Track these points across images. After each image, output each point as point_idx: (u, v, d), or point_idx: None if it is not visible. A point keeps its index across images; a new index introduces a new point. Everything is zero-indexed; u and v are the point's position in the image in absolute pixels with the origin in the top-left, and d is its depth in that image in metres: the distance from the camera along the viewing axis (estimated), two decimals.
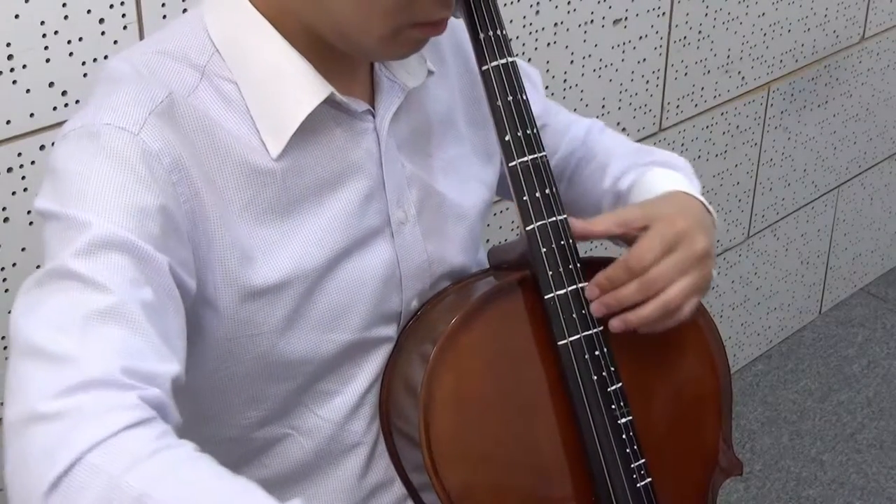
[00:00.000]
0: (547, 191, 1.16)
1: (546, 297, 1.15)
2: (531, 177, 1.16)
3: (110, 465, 0.85)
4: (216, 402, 1.16)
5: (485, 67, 1.17)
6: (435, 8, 1.06)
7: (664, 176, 1.29)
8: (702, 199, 1.27)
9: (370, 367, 1.20)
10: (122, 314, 0.94)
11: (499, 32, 1.16)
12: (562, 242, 1.16)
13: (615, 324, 1.16)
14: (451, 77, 1.27)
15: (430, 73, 1.21)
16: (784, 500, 2.54)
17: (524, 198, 1.16)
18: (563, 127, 1.43)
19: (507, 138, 1.16)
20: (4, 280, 1.52)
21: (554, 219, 1.16)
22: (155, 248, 0.99)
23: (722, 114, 2.53)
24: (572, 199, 1.42)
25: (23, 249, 1.52)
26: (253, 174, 1.09)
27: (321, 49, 1.10)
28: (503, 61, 1.17)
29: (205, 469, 0.89)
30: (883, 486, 2.58)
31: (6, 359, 1.54)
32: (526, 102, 1.17)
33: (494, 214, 2.14)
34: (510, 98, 1.16)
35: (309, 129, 1.11)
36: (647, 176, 1.30)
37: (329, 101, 1.11)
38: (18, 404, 0.90)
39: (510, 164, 1.16)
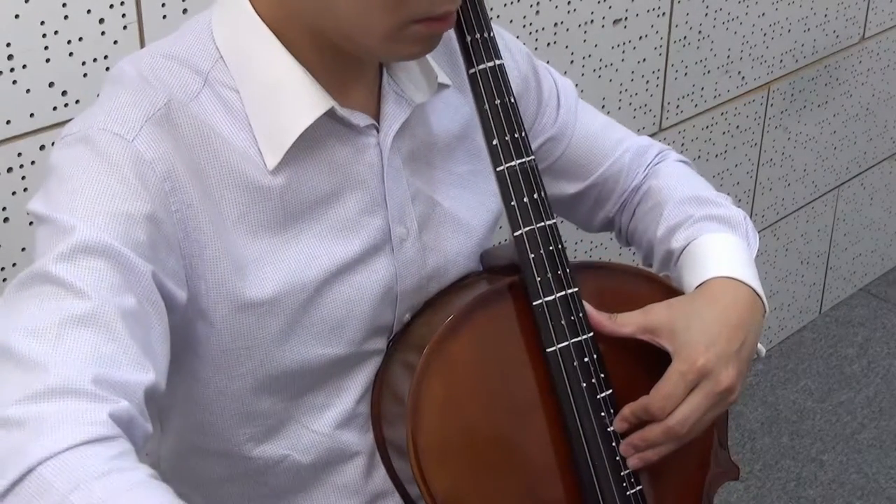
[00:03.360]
0: (535, 195, 1.15)
1: (534, 303, 1.14)
2: (519, 181, 1.15)
3: (59, 482, 0.84)
4: (208, 414, 1.15)
5: (472, 70, 1.15)
6: (434, 1, 1.03)
7: (717, 248, 1.25)
8: (750, 282, 1.22)
9: (361, 378, 1.19)
10: (98, 320, 0.94)
11: (486, 35, 1.15)
12: (550, 248, 1.14)
13: (634, 462, 1.17)
14: (468, 89, 1.23)
15: (445, 86, 1.20)
16: (784, 500, 2.54)
17: (512, 203, 1.14)
18: (608, 147, 1.38)
19: (494, 142, 1.15)
20: (4, 280, 1.53)
21: (542, 224, 1.15)
22: (139, 256, 0.99)
23: (722, 114, 2.53)
24: (630, 230, 1.39)
25: (23, 249, 1.52)
26: (249, 187, 1.08)
27: (326, 60, 1.09)
28: (490, 64, 1.15)
29: (154, 496, 0.86)
30: (883, 486, 2.58)
31: None
32: (514, 105, 1.16)
33: None
34: (497, 101, 1.15)
35: (308, 143, 1.10)
36: (699, 241, 1.26)
37: (330, 115, 1.10)
38: None
39: (497, 169, 1.15)
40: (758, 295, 1.23)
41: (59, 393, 0.88)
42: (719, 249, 1.25)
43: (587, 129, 1.37)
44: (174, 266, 1.04)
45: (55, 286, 0.95)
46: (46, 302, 0.94)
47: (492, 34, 1.16)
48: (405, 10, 1.03)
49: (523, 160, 1.15)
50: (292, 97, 1.08)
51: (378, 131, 1.15)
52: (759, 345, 1.24)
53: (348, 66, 1.11)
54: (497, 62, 1.16)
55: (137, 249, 0.99)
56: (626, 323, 1.18)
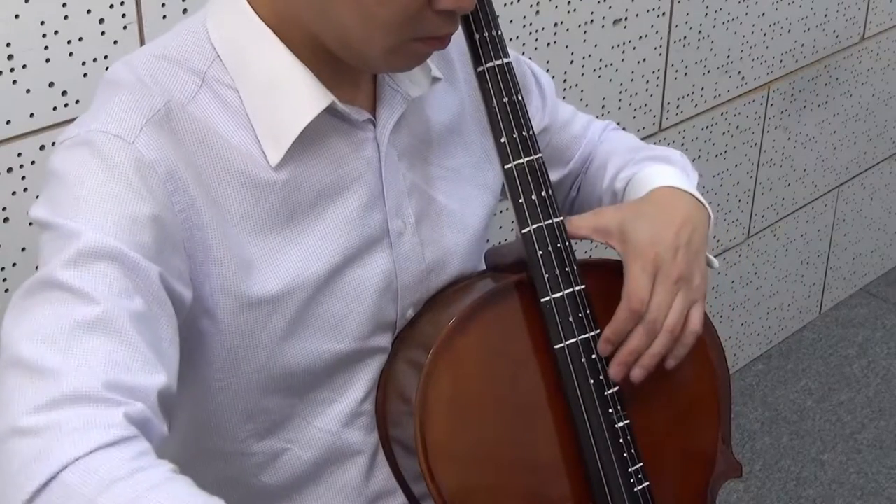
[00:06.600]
0: (543, 193, 1.16)
1: (542, 300, 1.14)
2: (527, 179, 1.16)
3: (84, 486, 0.85)
4: (214, 414, 1.15)
5: (480, 69, 1.16)
6: (440, 24, 1.05)
7: (656, 173, 1.29)
8: (692, 191, 1.26)
9: (366, 376, 1.19)
10: (108, 325, 0.93)
11: (494, 33, 1.16)
12: (558, 245, 1.15)
13: (637, 373, 1.17)
14: (459, 83, 1.26)
15: (437, 80, 1.20)
16: (784, 500, 2.54)
17: (520, 200, 1.15)
18: (580, 130, 1.41)
19: (502, 140, 1.16)
20: (4, 280, 1.52)
21: (550, 221, 1.16)
22: (145, 258, 0.98)
23: (722, 114, 2.53)
24: (581, 197, 1.42)
25: (23, 249, 1.52)
26: (252, 184, 1.08)
27: (324, 57, 1.09)
28: (499, 62, 1.16)
29: (179, 490, 0.87)
30: (883, 486, 2.58)
31: None
32: (521, 104, 1.17)
33: (494, 214, 2.13)
34: (506, 99, 1.16)
35: (309, 138, 1.10)
36: (640, 174, 1.30)
37: (330, 110, 1.10)
38: (2, 418, 0.90)
39: (506, 167, 1.16)
40: (700, 202, 1.25)
41: (72, 399, 0.89)
42: (660, 175, 1.28)
43: (563, 117, 1.40)
44: (180, 266, 1.04)
45: (63, 292, 0.95)
46: (55, 308, 0.94)
47: (500, 32, 1.17)
48: (409, 29, 1.04)
49: (531, 157, 1.16)
50: (293, 93, 1.09)
51: (375, 126, 1.15)
52: (710, 256, 1.25)
53: (344, 63, 1.11)
54: (505, 60, 1.16)
55: (144, 251, 0.99)
56: (580, 225, 1.20)
